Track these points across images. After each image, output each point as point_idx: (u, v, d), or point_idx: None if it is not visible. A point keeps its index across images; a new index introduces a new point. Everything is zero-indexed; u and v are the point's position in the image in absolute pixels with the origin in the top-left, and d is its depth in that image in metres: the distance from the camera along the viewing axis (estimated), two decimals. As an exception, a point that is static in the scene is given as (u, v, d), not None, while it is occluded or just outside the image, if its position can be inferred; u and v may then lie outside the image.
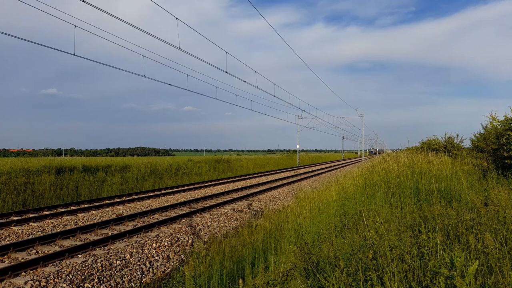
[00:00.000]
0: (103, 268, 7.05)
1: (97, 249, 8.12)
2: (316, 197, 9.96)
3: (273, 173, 33.54)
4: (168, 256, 8.30)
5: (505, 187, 6.70)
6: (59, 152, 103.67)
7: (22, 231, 9.72)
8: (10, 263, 7.10)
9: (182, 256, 8.27)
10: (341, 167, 44.32)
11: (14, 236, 9.28)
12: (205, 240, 9.60)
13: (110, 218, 11.50)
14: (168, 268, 7.72)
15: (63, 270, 6.73)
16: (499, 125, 12.11)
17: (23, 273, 6.52)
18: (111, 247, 8.27)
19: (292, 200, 15.67)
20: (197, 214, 12.35)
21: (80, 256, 7.58)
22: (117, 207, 13.87)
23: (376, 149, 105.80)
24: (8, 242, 8.43)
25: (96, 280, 6.57)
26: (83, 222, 11.05)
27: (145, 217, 11.76)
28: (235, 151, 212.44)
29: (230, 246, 6.78)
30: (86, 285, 6.37)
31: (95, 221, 11.16)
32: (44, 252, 7.92)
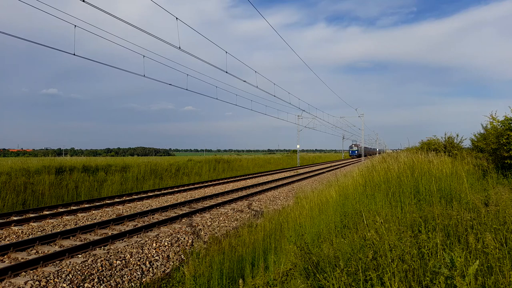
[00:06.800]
0: (103, 268, 7.05)
1: (97, 249, 8.12)
2: (316, 197, 9.96)
3: (273, 173, 33.53)
4: (168, 256, 8.30)
5: (505, 187, 6.70)
6: (59, 152, 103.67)
7: (22, 231, 9.72)
8: (10, 263, 7.10)
9: (182, 256, 8.27)
10: (341, 167, 44.32)
11: (14, 236, 9.28)
12: (205, 240, 9.60)
13: (110, 218, 11.50)
14: (168, 268, 7.72)
15: (63, 270, 6.73)
16: (499, 125, 12.12)
17: (23, 273, 6.52)
18: (111, 247, 8.27)
19: (292, 200, 15.67)
20: (197, 214, 12.35)
21: (80, 256, 7.58)
22: (117, 207, 13.87)
23: (363, 147, 63.56)
24: (8, 242, 8.43)
25: (96, 280, 6.57)
26: (83, 222, 11.05)
27: (145, 217, 11.76)
28: (235, 151, 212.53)
29: (230, 246, 6.79)
30: (86, 285, 6.37)
31: (95, 221, 11.16)
32: (44, 252, 7.92)
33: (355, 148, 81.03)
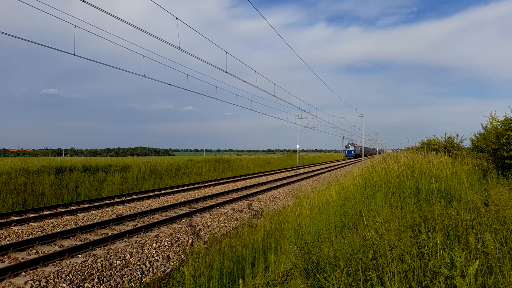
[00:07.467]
0: (103, 268, 7.05)
1: (97, 249, 8.12)
2: (316, 197, 9.96)
3: (273, 173, 33.53)
4: (168, 256, 8.30)
5: (505, 187, 6.70)
6: (59, 152, 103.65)
7: (22, 231, 9.72)
8: (10, 263, 7.10)
9: (182, 256, 8.27)
10: (341, 167, 44.32)
11: (14, 236, 9.28)
12: (205, 240, 9.60)
13: (110, 218, 11.50)
14: (168, 268, 7.72)
15: (63, 270, 6.73)
16: (499, 125, 12.12)
17: (23, 273, 6.52)
18: (111, 247, 8.27)
19: (292, 200, 15.67)
20: (197, 214, 12.35)
21: (80, 256, 7.58)
22: (117, 207, 13.87)
23: (362, 147, 58.29)
24: (8, 242, 8.43)
25: (96, 280, 6.57)
26: (83, 222, 11.05)
27: (145, 217, 11.76)
28: (235, 151, 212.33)
29: (230, 246, 6.79)
30: (86, 285, 6.37)
31: (95, 221, 11.16)
32: (44, 252, 7.92)
33: (351, 148, 72.36)
